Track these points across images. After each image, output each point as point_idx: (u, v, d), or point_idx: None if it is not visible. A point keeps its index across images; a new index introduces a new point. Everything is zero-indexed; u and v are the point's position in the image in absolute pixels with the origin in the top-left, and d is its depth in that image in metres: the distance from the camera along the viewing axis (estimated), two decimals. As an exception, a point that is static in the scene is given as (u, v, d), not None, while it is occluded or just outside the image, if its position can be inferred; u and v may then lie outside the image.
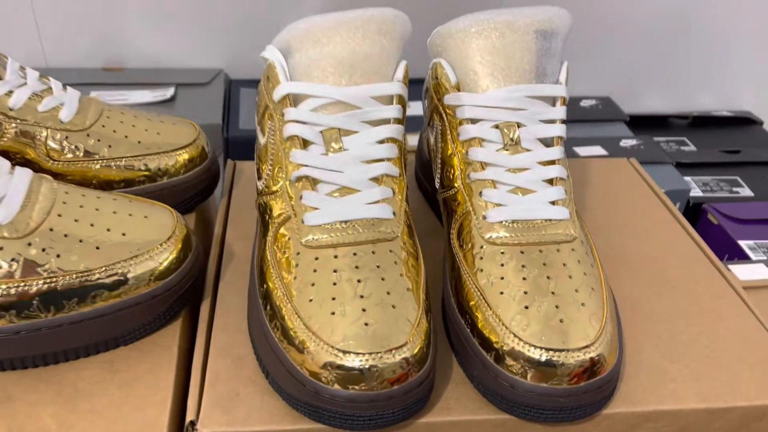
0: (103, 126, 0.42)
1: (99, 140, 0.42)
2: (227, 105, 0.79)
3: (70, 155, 0.41)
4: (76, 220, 0.34)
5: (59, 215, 0.34)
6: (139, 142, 0.43)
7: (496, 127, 0.37)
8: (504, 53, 0.37)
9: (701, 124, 0.93)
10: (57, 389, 0.33)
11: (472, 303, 0.34)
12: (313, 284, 0.32)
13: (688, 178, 0.78)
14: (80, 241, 0.34)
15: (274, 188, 0.37)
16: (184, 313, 0.38)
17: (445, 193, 0.39)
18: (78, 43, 0.83)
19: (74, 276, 0.33)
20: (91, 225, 0.35)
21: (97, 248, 0.34)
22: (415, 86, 0.84)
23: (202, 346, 0.36)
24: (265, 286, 0.34)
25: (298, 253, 0.34)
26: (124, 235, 0.35)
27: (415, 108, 0.74)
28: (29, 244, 0.33)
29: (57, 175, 0.41)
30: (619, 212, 0.49)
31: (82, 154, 0.41)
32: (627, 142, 0.82)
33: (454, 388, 0.34)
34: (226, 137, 0.73)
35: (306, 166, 0.35)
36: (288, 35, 0.38)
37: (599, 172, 0.55)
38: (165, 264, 0.35)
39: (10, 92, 0.40)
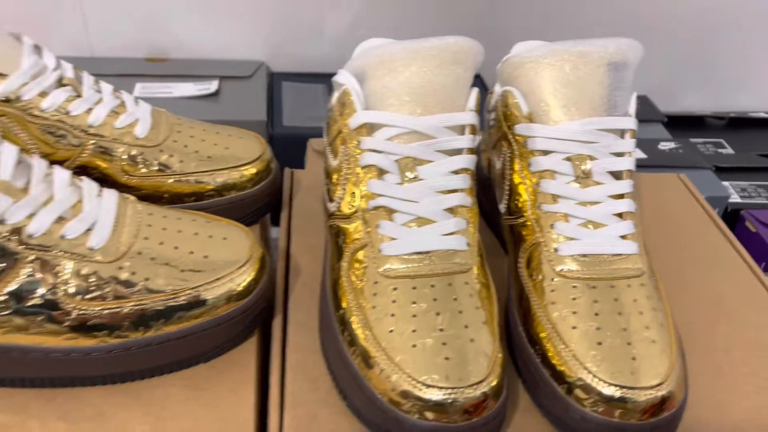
0: (174, 141, 0.43)
1: (171, 155, 0.43)
2: (270, 99, 0.80)
3: (144, 170, 0.42)
4: (161, 243, 0.36)
5: (146, 238, 0.35)
6: (209, 157, 0.44)
7: (568, 159, 0.38)
8: (577, 85, 0.38)
9: (738, 125, 0.93)
10: (145, 407, 0.34)
11: (543, 335, 0.35)
12: (392, 315, 0.33)
13: (726, 183, 0.78)
14: (166, 264, 0.35)
15: (348, 212, 0.38)
16: (257, 330, 0.39)
17: (512, 220, 0.40)
18: (122, 32, 0.84)
19: (161, 298, 0.34)
20: (175, 248, 0.36)
21: (182, 271, 0.35)
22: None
23: (279, 365, 0.37)
24: (341, 311, 0.36)
25: (376, 282, 0.35)
26: (206, 257, 0.36)
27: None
28: (120, 268, 0.34)
29: (131, 189, 0.42)
30: (671, 232, 0.50)
31: (155, 169, 0.42)
32: (665, 145, 0.83)
33: (522, 415, 0.35)
34: (270, 134, 0.74)
35: (383, 195, 0.36)
36: (362, 62, 0.39)
37: (649, 188, 0.55)
38: (243, 286, 0.37)
39: (90, 110, 0.41)
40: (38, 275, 0.32)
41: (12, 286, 0.32)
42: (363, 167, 0.37)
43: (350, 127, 0.38)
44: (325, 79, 0.85)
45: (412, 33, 0.82)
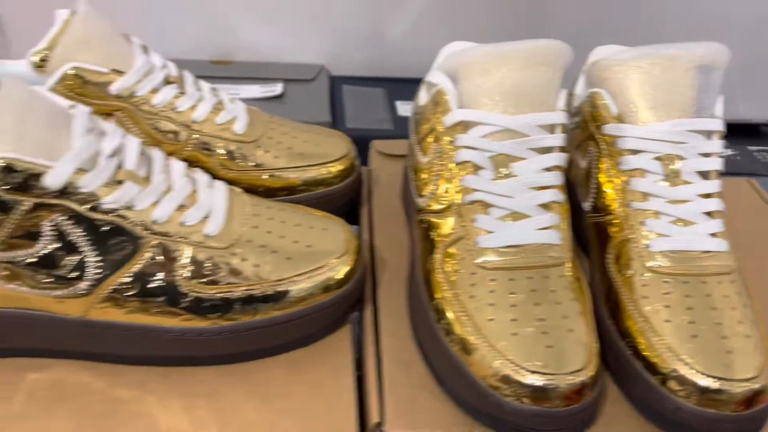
0: (269, 138, 0.45)
1: (267, 151, 0.45)
2: (332, 102, 0.82)
3: (241, 165, 0.44)
4: (268, 232, 0.38)
5: (254, 227, 0.37)
6: (300, 154, 0.46)
7: (658, 159, 0.39)
8: (666, 87, 0.39)
9: (794, 133, 0.93)
10: (253, 387, 0.36)
11: (635, 328, 0.36)
12: (491, 304, 0.35)
13: (783, 192, 0.78)
14: (274, 252, 0.37)
15: (439, 207, 0.40)
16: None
17: (598, 217, 0.41)
18: (188, 34, 0.87)
19: (269, 284, 0.36)
20: (281, 237, 0.38)
21: (288, 259, 0.37)
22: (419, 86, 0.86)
23: (374, 351, 0.39)
24: (436, 301, 0.37)
25: (474, 274, 0.36)
26: (308, 246, 0.38)
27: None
28: (233, 254, 0.36)
29: (228, 183, 0.44)
30: (746, 234, 0.50)
31: (252, 164, 0.44)
32: (723, 153, 0.83)
33: (612, 406, 0.36)
34: (335, 135, 0.76)
35: (478, 190, 0.38)
36: (455, 63, 0.41)
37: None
38: (343, 274, 0.38)
39: (194, 107, 0.43)
40: (160, 259, 0.34)
41: (137, 269, 0.34)
42: (458, 163, 0.39)
43: (445, 125, 0.40)
44: (384, 82, 0.88)
45: (470, 37, 0.84)
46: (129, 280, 0.34)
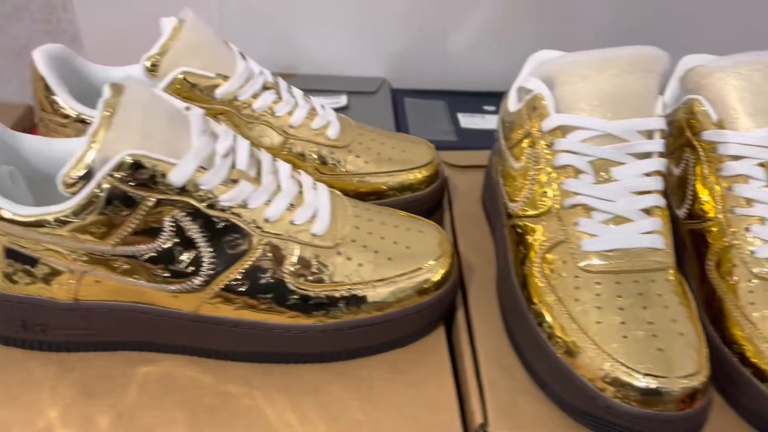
0: (359, 143, 0.46)
1: (358, 156, 0.46)
2: (395, 114, 0.83)
3: (334, 169, 0.45)
4: (369, 233, 0.38)
5: (356, 228, 0.38)
6: (389, 159, 0.47)
7: (761, 165, 0.38)
8: (766, 94, 0.39)
9: None
10: (355, 385, 0.37)
11: (741, 334, 0.35)
12: (598, 307, 0.35)
13: None
14: (375, 252, 0.38)
15: (536, 212, 0.40)
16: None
17: (694, 224, 0.41)
18: (255, 46, 0.88)
19: (372, 283, 0.37)
20: (382, 238, 0.38)
21: (389, 259, 0.38)
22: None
23: (470, 354, 0.39)
24: (535, 304, 0.37)
25: (577, 277, 0.36)
26: (408, 248, 0.39)
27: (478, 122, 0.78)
28: (339, 254, 0.37)
29: (320, 187, 0.45)
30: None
31: (344, 168, 0.45)
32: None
33: (718, 413, 0.36)
34: (400, 146, 0.76)
35: (580, 194, 0.38)
36: (550, 69, 0.41)
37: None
38: (440, 276, 0.39)
39: (291, 112, 0.44)
40: (269, 257, 0.35)
41: (248, 266, 0.35)
42: (556, 167, 0.39)
43: (542, 130, 0.40)
44: (444, 95, 0.89)
45: (532, 50, 0.84)
46: (240, 276, 0.35)
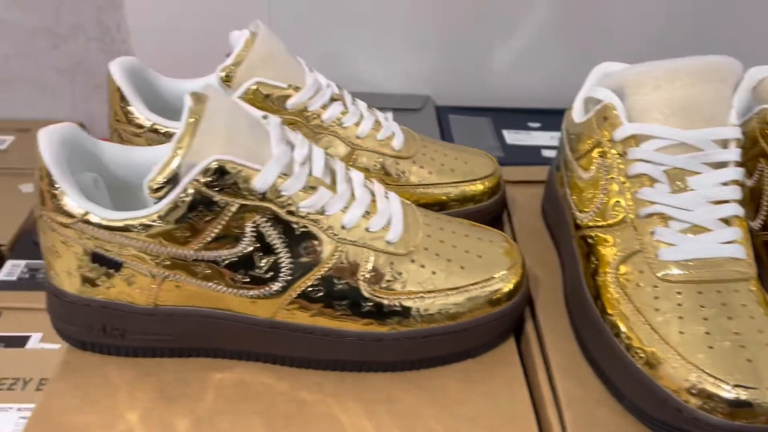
0: (423, 154, 0.46)
1: (422, 167, 0.46)
2: (441, 131, 0.83)
3: (398, 179, 0.45)
4: (441, 241, 0.38)
5: (428, 236, 0.38)
6: (452, 170, 0.47)
7: (842, 174, 0.38)
8: None
9: None
10: (429, 394, 0.36)
11: (827, 347, 0.34)
12: (680, 317, 0.34)
13: None
14: (448, 260, 0.37)
15: (607, 222, 0.39)
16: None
17: (770, 235, 0.40)
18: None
19: (446, 292, 0.37)
20: (453, 246, 0.38)
21: (462, 268, 0.38)
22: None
23: (543, 365, 0.39)
24: (611, 315, 0.37)
25: (656, 287, 0.36)
26: (479, 257, 0.38)
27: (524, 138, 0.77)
28: (412, 261, 0.37)
29: (384, 197, 0.45)
30: None
31: (408, 179, 0.45)
32: None
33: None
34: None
35: (656, 203, 0.37)
36: (620, 79, 0.41)
37: None
38: (513, 285, 0.38)
39: (358, 123, 0.44)
40: (346, 264, 0.35)
41: (324, 273, 0.35)
42: (630, 177, 0.39)
43: (614, 139, 0.40)
44: (489, 112, 0.89)
45: (575, 66, 0.84)
46: (317, 282, 0.35)
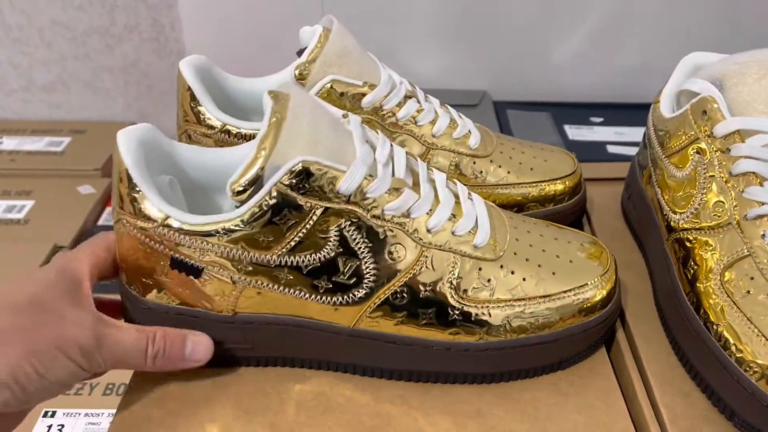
0: (501, 152, 0.44)
1: (500, 166, 0.44)
2: (500, 127, 0.81)
3: (476, 179, 0.43)
4: (530, 246, 0.36)
5: (516, 240, 0.36)
6: (531, 169, 0.44)
7: None
8: None
9: None
10: (519, 408, 0.34)
11: None
12: (800, 328, 0.31)
13: None
14: (539, 266, 0.35)
15: (708, 224, 0.37)
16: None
17: None
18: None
19: (537, 300, 0.35)
20: (543, 251, 0.36)
21: (553, 274, 0.35)
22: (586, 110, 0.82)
23: (638, 377, 0.36)
24: (718, 325, 0.34)
25: (770, 294, 0.33)
26: (571, 262, 0.36)
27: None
28: (501, 267, 0.35)
29: (460, 198, 0.43)
30: None
31: (486, 178, 0.43)
32: None
33: None
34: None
35: (767, 203, 0.35)
36: (718, 70, 0.38)
37: None
38: (606, 292, 0.36)
39: (433, 121, 0.43)
40: (431, 269, 0.33)
41: (410, 278, 0.33)
42: (735, 175, 0.36)
43: (715, 135, 0.37)
44: (548, 107, 0.86)
45: (637, 60, 0.80)
46: (401, 289, 0.33)
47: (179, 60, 0.87)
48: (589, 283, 0.36)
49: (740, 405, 0.32)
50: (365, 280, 0.33)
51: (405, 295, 0.33)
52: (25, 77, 0.87)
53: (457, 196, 0.36)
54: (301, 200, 0.31)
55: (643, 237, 0.45)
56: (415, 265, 0.33)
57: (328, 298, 0.33)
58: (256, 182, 0.30)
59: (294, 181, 0.30)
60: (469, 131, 0.44)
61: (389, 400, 0.35)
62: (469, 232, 0.34)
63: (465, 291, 0.34)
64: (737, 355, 0.33)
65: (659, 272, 0.41)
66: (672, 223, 0.39)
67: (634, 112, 0.79)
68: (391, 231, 0.33)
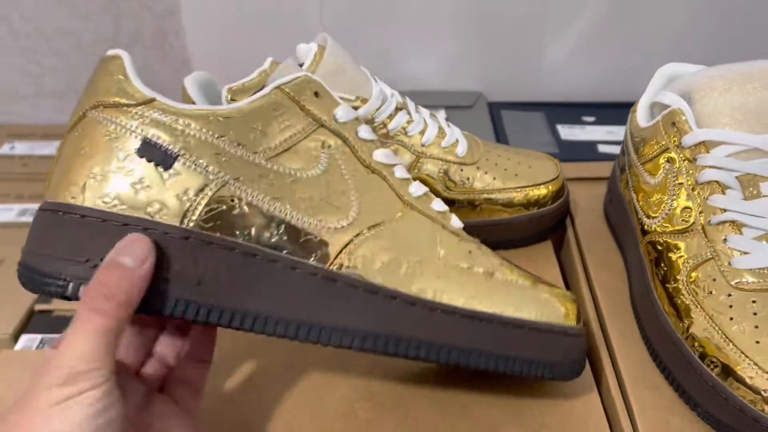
0: (487, 160, 0.47)
1: (486, 172, 0.46)
2: (494, 128, 0.83)
3: (463, 185, 0.46)
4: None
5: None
6: (516, 175, 0.47)
7: None
8: None
9: None
10: (501, 399, 0.37)
11: None
12: (756, 327, 0.34)
13: None
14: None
15: (676, 228, 0.39)
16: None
17: None
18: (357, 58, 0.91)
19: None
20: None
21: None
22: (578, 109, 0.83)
23: (612, 372, 0.39)
24: (684, 323, 0.37)
25: (730, 295, 0.36)
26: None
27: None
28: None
29: (450, 203, 0.46)
30: None
31: (473, 185, 0.46)
32: None
33: None
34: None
35: (729, 210, 0.37)
36: (688, 83, 0.41)
37: None
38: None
39: (422, 131, 0.45)
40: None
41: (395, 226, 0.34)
42: (701, 183, 0.38)
43: (683, 145, 0.39)
44: (542, 107, 0.88)
45: (629, 59, 0.82)
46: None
47: (183, 66, 0.90)
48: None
49: (703, 397, 0.35)
50: (352, 211, 0.32)
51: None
52: (35, 84, 0.90)
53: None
54: (300, 111, 0.32)
55: (622, 239, 0.48)
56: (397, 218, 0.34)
57: (308, 221, 0.31)
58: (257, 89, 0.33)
59: (295, 89, 0.32)
60: (457, 140, 0.46)
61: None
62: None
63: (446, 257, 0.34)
64: (700, 350, 0.35)
65: (635, 273, 0.44)
66: (645, 227, 0.42)
67: (625, 111, 0.82)
68: (375, 177, 0.34)
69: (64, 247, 0.28)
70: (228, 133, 0.30)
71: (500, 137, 0.81)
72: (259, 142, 0.31)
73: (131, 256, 0.27)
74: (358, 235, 0.32)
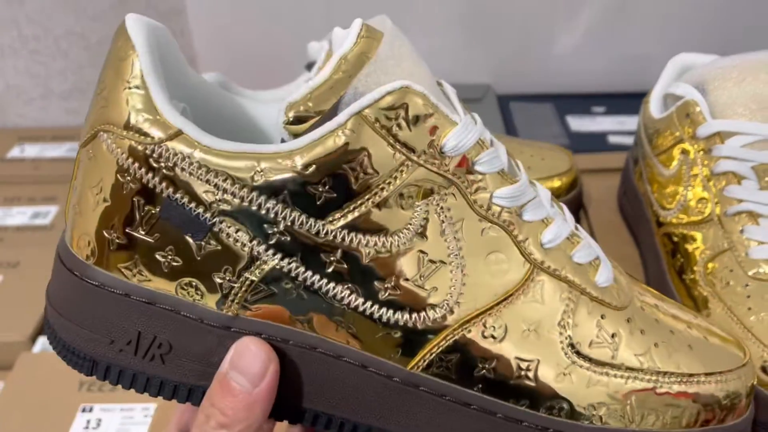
0: (499, 154, 0.47)
1: (499, 168, 0.46)
2: (504, 120, 0.83)
3: (476, 181, 0.46)
4: (655, 306, 0.28)
5: (640, 293, 0.28)
6: (529, 168, 0.47)
7: None
8: None
9: None
10: None
11: None
12: (774, 316, 0.34)
13: None
14: (671, 332, 0.27)
15: (692, 219, 0.39)
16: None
17: None
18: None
19: (678, 379, 0.25)
20: (673, 316, 0.28)
21: (690, 347, 0.26)
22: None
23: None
24: (703, 314, 0.37)
25: (747, 285, 0.36)
26: (705, 338, 0.28)
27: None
28: (628, 320, 0.26)
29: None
30: None
31: (485, 180, 0.46)
32: None
33: None
34: (511, 152, 0.77)
35: (745, 201, 0.37)
36: (701, 74, 0.40)
37: None
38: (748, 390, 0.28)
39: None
40: (540, 300, 0.25)
41: (507, 307, 0.24)
42: (716, 174, 0.38)
43: (697, 136, 0.39)
44: (551, 98, 0.88)
45: (639, 49, 0.81)
46: (496, 323, 0.24)
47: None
48: (731, 372, 0.26)
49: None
50: (448, 296, 0.23)
51: (495, 331, 0.23)
52: (43, 86, 0.90)
53: (564, 219, 0.27)
54: (390, 147, 0.21)
55: (637, 231, 0.48)
56: (518, 290, 0.24)
57: (390, 314, 0.22)
58: (327, 113, 0.21)
59: (386, 114, 0.21)
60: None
61: None
62: (590, 263, 0.26)
63: (579, 344, 0.24)
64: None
65: (651, 264, 0.44)
66: (660, 219, 0.42)
67: (635, 101, 0.81)
68: (494, 232, 0.24)
69: (86, 318, 0.23)
70: (280, 195, 0.21)
71: (510, 129, 0.81)
72: (326, 206, 0.22)
73: (246, 374, 0.21)
74: (450, 330, 0.23)
